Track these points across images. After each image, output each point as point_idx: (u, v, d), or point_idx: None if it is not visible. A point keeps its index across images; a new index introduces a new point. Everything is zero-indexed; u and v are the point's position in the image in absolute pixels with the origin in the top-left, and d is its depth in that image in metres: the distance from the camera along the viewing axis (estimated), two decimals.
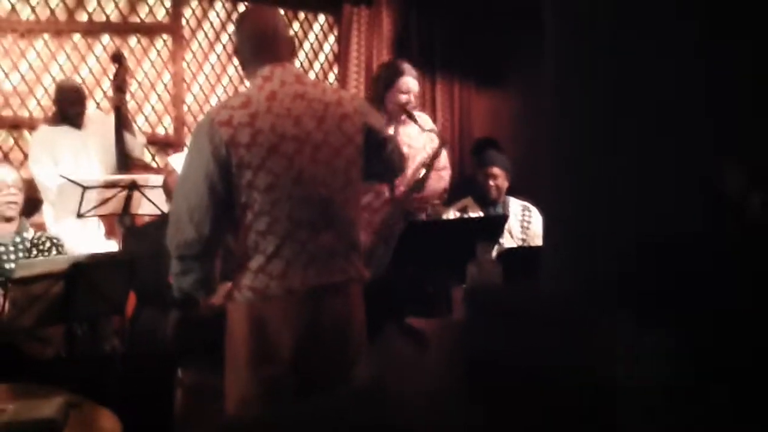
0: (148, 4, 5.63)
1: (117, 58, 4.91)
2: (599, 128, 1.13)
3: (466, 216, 4.39)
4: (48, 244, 3.97)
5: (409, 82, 3.86)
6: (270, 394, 2.39)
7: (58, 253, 3.96)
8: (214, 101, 5.78)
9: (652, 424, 1.00)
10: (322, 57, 6.36)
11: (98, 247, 4.42)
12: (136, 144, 4.92)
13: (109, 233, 4.58)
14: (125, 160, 4.74)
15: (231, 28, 5.51)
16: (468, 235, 3.01)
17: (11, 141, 5.18)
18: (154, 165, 5.39)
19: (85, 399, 2.56)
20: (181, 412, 3.04)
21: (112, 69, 4.96)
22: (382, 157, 2.65)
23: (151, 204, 4.23)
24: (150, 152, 5.49)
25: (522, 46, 5.17)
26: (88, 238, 4.50)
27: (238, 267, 2.46)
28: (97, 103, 5.37)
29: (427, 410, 1.38)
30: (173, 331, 3.29)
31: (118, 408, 2.53)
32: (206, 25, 5.87)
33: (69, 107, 4.73)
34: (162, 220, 3.78)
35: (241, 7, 5.84)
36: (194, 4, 5.82)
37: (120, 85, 4.86)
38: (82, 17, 5.42)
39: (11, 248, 3.88)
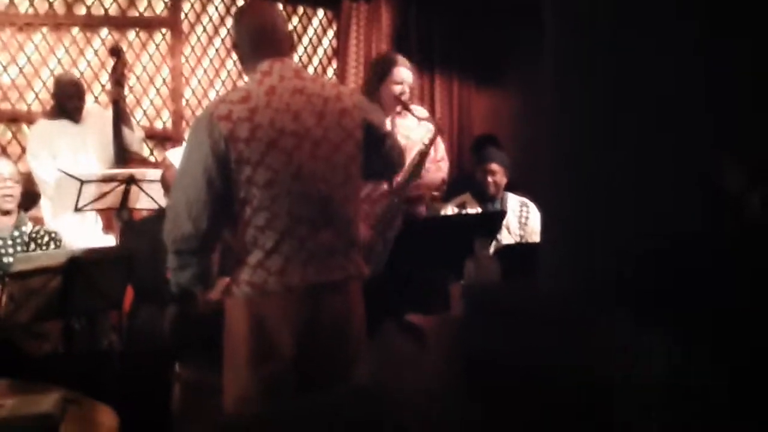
0: None
1: (115, 51, 4.89)
2: (599, 124, 1.13)
3: (464, 212, 4.39)
4: (46, 239, 3.96)
5: (403, 72, 3.86)
6: (268, 391, 2.38)
7: (57, 247, 3.96)
8: (212, 95, 5.77)
9: (650, 422, 1.00)
10: (321, 52, 6.35)
11: (96, 241, 4.42)
12: (135, 138, 4.90)
13: (107, 228, 4.57)
14: (123, 155, 4.73)
15: (230, 22, 5.49)
16: (466, 231, 3.00)
17: (9, 135, 5.17)
18: (152, 159, 5.38)
19: (83, 394, 2.56)
20: (178, 408, 3.03)
21: (110, 63, 4.95)
22: (381, 153, 2.65)
23: (149, 198, 4.22)
24: (148, 146, 5.48)
25: (521, 42, 5.17)
26: (85, 233, 4.50)
27: (236, 262, 2.46)
28: (96, 97, 5.36)
29: (424, 407, 1.38)
30: (171, 326, 3.28)
31: (115, 403, 2.53)
32: (205, 20, 5.86)
33: (67, 101, 4.72)
34: (160, 214, 3.77)
35: (240, 2, 5.83)
36: None
37: (118, 79, 4.85)
38: (81, 11, 5.41)
39: (9, 242, 3.88)
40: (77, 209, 4.12)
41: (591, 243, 1.22)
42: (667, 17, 1.08)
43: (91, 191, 4.11)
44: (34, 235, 3.94)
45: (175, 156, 3.64)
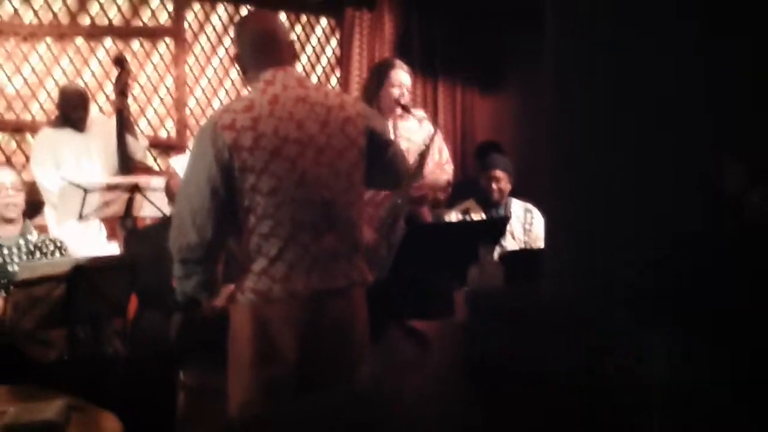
0: (150, 7, 5.64)
1: (119, 61, 4.91)
2: (599, 124, 1.13)
3: (468, 218, 4.39)
4: (51, 247, 3.96)
5: (400, 75, 3.88)
6: (272, 397, 2.38)
7: (62, 256, 3.96)
8: (216, 104, 5.79)
9: (651, 423, 0.99)
10: (324, 60, 6.36)
11: (100, 249, 4.42)
12: (139, 147, 4.92)
13: (111, 236, 4.58)
14: (127, 163, 4.74)
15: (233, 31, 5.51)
16: (470, 237, 3.00)
17: (14, 144, 5.18)
18: (156, 168, 5.39)
19: (87, 401, 2.56)
20: (183, 414, 3.03)
21: (114, 72, 4.96)
22: (384, 161, 2.65)
23: (153, 206, 4.22)
24: (152, 155, 5.50)
25: (522, 45, 5.18)
26: (89, 241, 4.50)
27: (240, 270, 2.46)
28: (100, 107, 5.37)
29: (427, 411, 1.38)
30: (177, 333, 3.29)
31: (119, 410, 2.53)
32: (209, 29, 5.87)
33: (72, 111, 4.73)
34: (164, 222, 3.78)
35: (244, 11, 5.85)
36: (197, 7, 5.82)
37: (122, 89, 4.85)
38: (85, 21, 5.42)
39: (15, 250, 3.88)
40: (81, 217, 4.12)
41: (592, 246, 1.22)
42: (667, 17, 1.08)
43: (95, 199, 4.12)
44: (39, 243, 3.94)
45: (179, 164, 3.65)
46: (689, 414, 0.99)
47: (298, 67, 5.97)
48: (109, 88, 5.27)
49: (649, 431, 1.01)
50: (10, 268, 3.78)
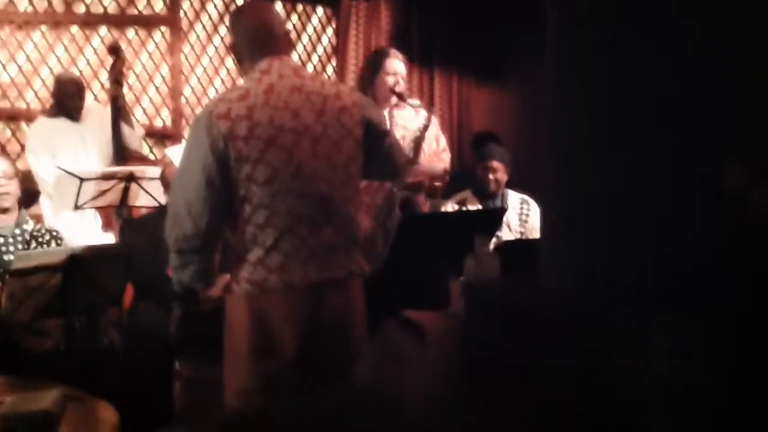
0: None
1: (114, 50, 4.89)
2: (599, 124, 1.13)
3: (464, 209, 4.39)
4: (47, 237, 3.96)
5: (395, 63, 3.89)
6: (269, 388, 2.39)
7: (58, 245, 3.95)
8: (212, 93, 5.77)
9: (650, 422, 1.00)
10: (320, 50, 6.35)
11: (95, 239, 4.42)
12: (134, 136, 4.90)
13: (107, 225, 4.57)
14: (123, 152, 4.73)
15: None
16: (466, 227, 3.01)
17: (8, 133, 5.17)
18: (151, 157, 5.38)
19: (83, 391, 2.56)
20: (179, 405, 3.04)
21: (109, 61, 4.94)
22: (381, 151, 2.65)
23: (148, 196, 4.22)
24: (148, 144, 5.48)
25: (521, 42, 5.17)
26: (85, 231, 4.50)
27: (236, 260, 2.46)
28: (95, 95, 5.36)
29: (423, 404, 1.39)
30: (177, 326, 3.29)
31: (115, 400, 2.54)
32: (204, 17, 5.85)
33: (67, 100, 4.72)
34: (159, 212, 3.77)
35: (239, 0, 5.82)
36: None
37: (117, 77, 4.84)
38: (80, 9, 5.40)
39: (10, 240, 3.87)
40: (77, 207, 4.12)
41: (591, 242, 1.23)
42: (667, 17, 1.09)
43: (90, 189, 4.11)
44: (35, 233, 3.93)
45: (175, 153, 3.64)
46: (689, 414, 0.99)
47: (294, 57, 5.96)
48: (105, 77, 5.26)
49: (646, 430, 1.02)
50: (5, 258, 3.78)
